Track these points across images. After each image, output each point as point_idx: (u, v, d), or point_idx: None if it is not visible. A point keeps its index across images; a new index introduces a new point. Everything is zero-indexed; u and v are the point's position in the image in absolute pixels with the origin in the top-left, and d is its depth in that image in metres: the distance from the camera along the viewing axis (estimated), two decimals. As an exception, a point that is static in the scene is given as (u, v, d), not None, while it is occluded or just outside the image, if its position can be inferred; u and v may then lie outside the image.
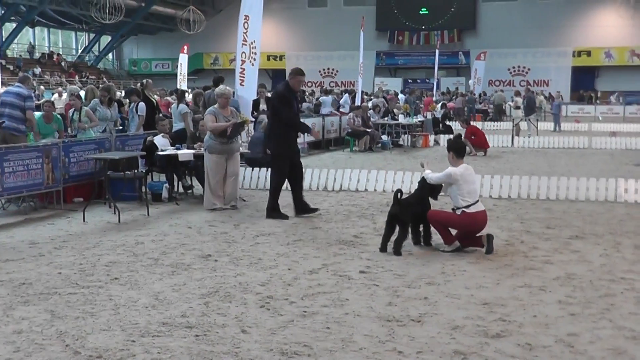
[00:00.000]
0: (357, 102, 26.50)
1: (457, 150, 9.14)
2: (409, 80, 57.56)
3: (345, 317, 6.27)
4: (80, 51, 62.79)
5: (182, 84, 37.89)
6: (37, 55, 55.57)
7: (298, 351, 5.47)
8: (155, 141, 13.28)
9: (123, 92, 23.75)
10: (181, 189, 13.46)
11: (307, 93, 32.08)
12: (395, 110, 26.55)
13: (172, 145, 13.39)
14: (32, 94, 13.79)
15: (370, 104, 26.54)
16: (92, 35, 62.05)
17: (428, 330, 5.93)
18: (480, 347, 5.56)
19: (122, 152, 13.15)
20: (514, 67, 56.98)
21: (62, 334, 5.81)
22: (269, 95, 17.05)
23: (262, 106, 18.02)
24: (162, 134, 13.63)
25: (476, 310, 6.46)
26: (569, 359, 5.37)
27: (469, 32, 57.85)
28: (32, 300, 6.77)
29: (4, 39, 51.72)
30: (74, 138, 13.57)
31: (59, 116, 14.18)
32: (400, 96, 36.41)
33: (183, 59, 39.47)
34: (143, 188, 12.44)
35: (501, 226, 10.45)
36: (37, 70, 48.00)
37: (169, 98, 24.00)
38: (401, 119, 25.36)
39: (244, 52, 15.86)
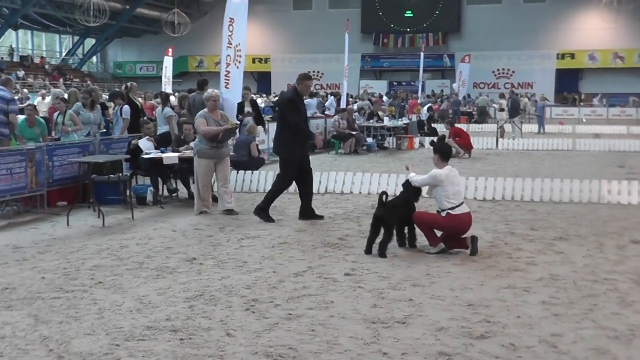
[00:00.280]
0: (343, 105, 26.53)
1: (442, 152, 9.17)
2: (394, 83, 57.63)
3: (331, 319, 6.28)
4: (64, 54, 62.51)
5: (167, 86, 37.73)
6: (16, 58, 55.17)
7: (283, 354, 5.47)
8: (139, 144, 13.25)
9: (107, 95, 23.66)
10: (166, 193, 13.43)
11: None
12: (380, 113, 26.62)
13: (156, 148, 13.35)
14: (15, 97, 13.71)
15: (355, 107, 26.59)
16: (76, 38, 61.72)
17: (413, 332, 5.94)
18: (464, 348, 5.58)
19: (107, 155, 13.10)
20: (498, 70, 57.15)
21: (46, 339, 5.78)
22: (254, 97, 17.08)
23: (247, 109, 17.99)
24: (147, 137, 13.60)
25: (461, 312, 6.49)
26: (553, 359, 5.41)
27: (453, 35, 58.00)
28: (15, 305, 6.73)
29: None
30: (57, 141, 13.51)
31: (42, 120, 14.09)
32: (385, 98, 36.50)
33: (168, 62, 39.31)
34: (127, 191, 12.39)
35: (486, 228, 10.49)
36: (21, 73, 47.73)
37: (153, 102, 23.91)
38: (386, 122, 25.42)
39: (229, 55, 15.83)
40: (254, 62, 58.68)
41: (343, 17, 39.43)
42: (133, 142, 13.38)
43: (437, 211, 9.00)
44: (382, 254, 8.64)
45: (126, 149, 13.46)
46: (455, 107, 38.58)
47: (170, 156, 12.81)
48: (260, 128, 18.64)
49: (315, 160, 20.58)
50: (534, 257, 8.66)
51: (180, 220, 11.29)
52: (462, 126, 28.87)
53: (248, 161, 15.37)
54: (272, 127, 20.69)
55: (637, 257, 8.67)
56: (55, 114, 14.56)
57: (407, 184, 9.26)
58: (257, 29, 55.19)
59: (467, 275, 7.79)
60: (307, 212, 11.35)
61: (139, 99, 19.13)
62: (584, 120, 43.05)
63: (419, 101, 37.37)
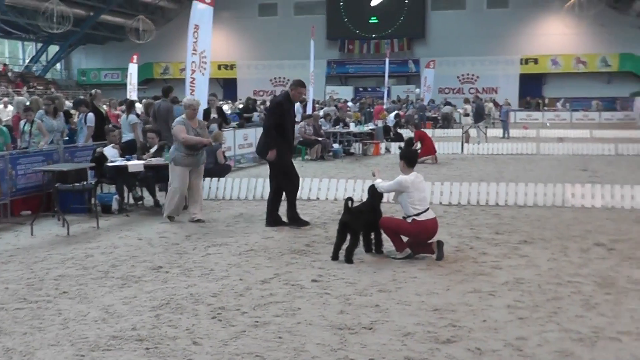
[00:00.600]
0: (309, 111, 26.55)
1: (408, 158, 9.22)
2: (360, 89, 57.81)
3: (298, 326, 6.29)
4: (27, 61, 61.84)
5: (132, 93, 37.58)
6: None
7: (250, 361, 5.46)
8: (104, 152, 13.17)
9: (72, 102, 23.44)
10: (131, 201, 13.35)
11: (258, 102, 32.00)
12: (346, 119, 26.69)
13: (121, 156, 13.27)
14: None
15: (321, 113, 26.63)
16: (39, 45, 61.10)
17: (379, 338, 5.97)
18: (431, 353, 5.61)
19: (71, 163, 13.00)
20: (463, 75, 57.55)
21: (9, 351, 5.72)
22: (221, 104, 16.97)
23: (214, 115, 17.95)
24: (112, 144, 13.51)
25: (427, 317, 6.52)
26: (518, 363, 5.46)
27: (418, 41, 58.30)
28: (-22, 316, 6.65)
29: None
30: (22, 150, 13.36)
31: (4, 129, 13.92)
32: (350, 104, 36.61)
33: (133, 69, 39.17)
34: (92, 200, 12.30)
35: (451, 232, 10.56)
36: (-18, 81, 47.20)
37: (119, 111, 23.76)
38: (352, 127, 25.49)
39: (194, 62, 15.80)
40: (219, 68, 58.56)
41: (308, 23, 39.51)
42: (98, 150, 13.29)
43: (403, 217, 9.04)
44: (348, 260, 8.67)
45: (91, 157, 13.35)
46: (421, 113, 38.79)
47: (135, 164, 12.73)
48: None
49: (281, 166, 20.59)
50: (499, 261, 8.74)
51: (146, 228, 11.23)
52: (428, 131, 29.00)
53: (214, 168, 15.31)
54: (239, 133, 20.75)
55: (600, 260, 8.79)
56: (22, 122, 14.37)
57: (372, 190, 9.29)
58: (222, 35, 55.08)
59: (433, 280, 7.84)
60: (275, 217, 11.34)
61: (104, 106, 18.99)
62: (547, 124, 43.54)
63: (384, 107, 37.49)
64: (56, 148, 13.52)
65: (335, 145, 23.90)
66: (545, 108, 53.47)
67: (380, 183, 9.20)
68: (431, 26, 58.17)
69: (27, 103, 16.47)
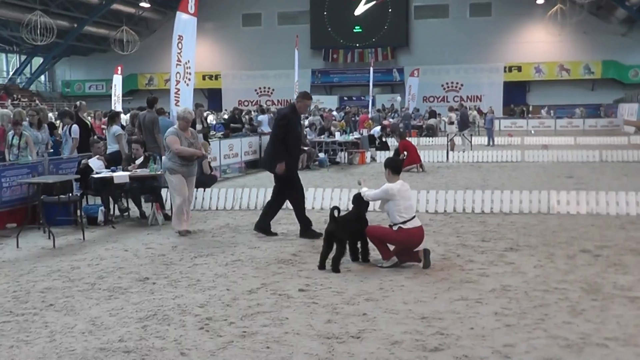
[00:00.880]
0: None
1: (393, 167, 9.24)
2: (345, 98, 57.90)
3: (285, 336, 6.28)
4: (11, 73, 61.63)
5: (117, 105, 37.50)
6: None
7: (238, 372, 5.45)
8: (90, 164, 13.13)
9: (56, 114, 23.37)
10: (117, 212, 13.31)
11: (243, 112, 32.00)
12: (332, 128, 26.72)
13: (107, 167, 13.24)
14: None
15: (306, 122, 26.64)
16: (23, 57, 60.95)
17: (367, 346, 5.96)
18: (419, 362, 5.62)
19: (56, 175, 12.95)
20: (447, 83, 57.76)
21: (-4, 364, 5.69)
22: (207, 114, 16.95)
23: (199, 126, 17.94)
24: (97, 156, 13.47)
25: (414, 325, 6.53)
26: (506, 370, 5.47)
27: (402, 50, 58.53)
28: (-36, 329, 6.61)
29: None
30: (5, 162, 13.29)
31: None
32: (335, 113, 36.68)
33: (117, 80, 39.09)
34: (78, 212, 12.25)
35: (438, 240, 10.58)
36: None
37: (104, 124, 23.69)
38: (338, 137, 25.52)
39: (178, 72, 15.81)
40: (204, 78, 58.63)
41: (292, 33, 39.57)
42: (83, 161, 13.25)
43: (390, 225, 9.05)
44: (335, 269, 8.67)
45: (76, 169, 13.31)
46: (406, 121, 38.88)
47: (121, 175, 12.70)
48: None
49: (267, 176, 20.52)
50: (485, 269, 8.76)
51: (132, 240, 11.19)
52: (413, 140, 29.09)
53: (200, 179, 15.26)
54: (224, 143, 20.74)
55: (586, 266, 8.82)
56: (10, 135, 14.23)
57: (357, 199, 9.30)
58: (206, 45, 55.14)
59: (420, 289, 7.85)
60: (263, 221, 11.36)
61: (89, 117, 18.95)
62: (532, 132, 43.72)
63: (369, 115, 37.57)
64: (41, 160, 13.48)
65: (321, 155, 23.94)
66: (530, 115, 53.73)
67: (367, 192, 9.21)
68: (415, 35, 58.42)
69: (11, 116, 16.40)
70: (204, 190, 14.71)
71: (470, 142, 30.32)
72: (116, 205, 13.26)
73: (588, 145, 30.44)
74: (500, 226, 11.87)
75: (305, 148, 22.72)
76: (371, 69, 44.82)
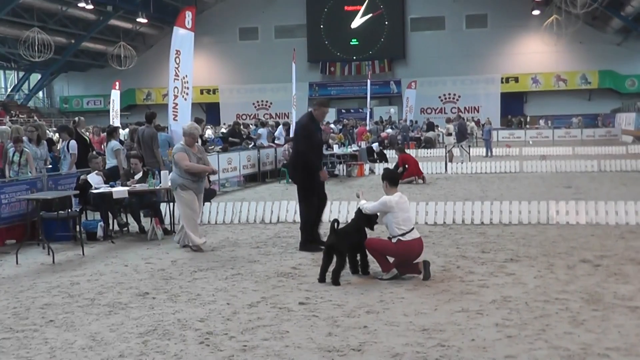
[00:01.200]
0: (292, 134, 26.52)
1: (391, 179, 9.25)
2: (343, 111, 57.93)
3: (286, 349, 6.26)
4: (9, 90, 61.70)
5: (115, 120, 37.53)
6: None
7: (239, 386, 5.44)
8: (88, 179, 13.13)
9: (55, 129, 23.38)
10: (116, 227, 13.30)
11: (241, 126, 32.03)
12: (330, 141, 26.73)
13: (105, 182, 13.24)
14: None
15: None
16: (21, 74, 61.04)
17: (368, 359, 5.95)
18: (420, 374, 5.61)
19: (55, 191, 12.94)
20: (444, 95, 57.90)
21: (-3, 381, 5.67)
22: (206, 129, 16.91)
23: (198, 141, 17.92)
24: (96, 171, 13.48)
25: (415, 337, 6.52)
26: (508, 381, 5.46)
27: (399, 62, 58.69)
28: (-36, 347, 6.59)
29: None
30: (4, 179, 13.28)
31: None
32: (332, 126, 36.70)
33: (115, 95, 39.11)
34: (77, 227, 12.25)
35: (437, 252, 10.58)
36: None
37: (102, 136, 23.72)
38: (336, 149, 25.53)
39: (176, 87, 15.84)
40: (202, 93, 58.75)
41: (289, 46, 39.57)
42: (82, 177, 13.25)
43: (388, 237, 9.05)
44: (335, 281, 8.66)
45: (75, 184, 13.31)
46: (405, 133, 38.93)
47: (119, 190, 12.70)
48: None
49: (266, 189, 20.65)
50: (485, 280, 8.75)
51: (131, 254, 11.18)
52: (411, 152, 29.10)
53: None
54: (223, 157, 20.74)
55: (586, 276, 8.82)
56: (11, 151, 14.16)
57: (358, 212, 9.30)
58: (203, 60, 55.26)
59: (420, 300, 7.84)
60: (312, 238, 11.19)
61: (87, 133, 18.97)
62: (530, 142, 43.76)
63: (367, 128, 37.59)
64: (40, 176, 13.47)
65: (320, 168, 23.88)
66: (527, 126, 53.81)
67: (365, 204, 9.21)
68: (411, 47, 58.61)
69: (10, 132, 16.40)
70: (203, 204, 14.67)
71: (469, 153, 30.34)
72: (115, 221, 13.26)
73: (586, 155, 30.49)
74: (500, 237, 11.86)
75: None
76: (368, 81, 44.81)
